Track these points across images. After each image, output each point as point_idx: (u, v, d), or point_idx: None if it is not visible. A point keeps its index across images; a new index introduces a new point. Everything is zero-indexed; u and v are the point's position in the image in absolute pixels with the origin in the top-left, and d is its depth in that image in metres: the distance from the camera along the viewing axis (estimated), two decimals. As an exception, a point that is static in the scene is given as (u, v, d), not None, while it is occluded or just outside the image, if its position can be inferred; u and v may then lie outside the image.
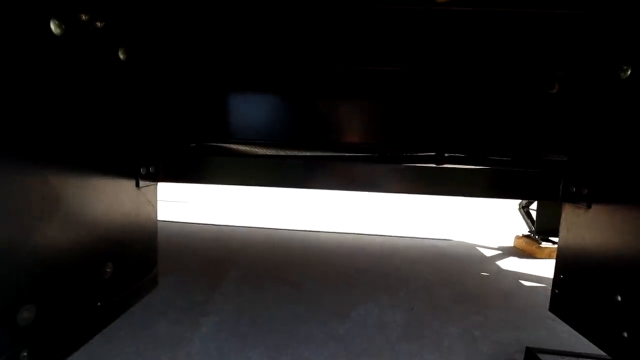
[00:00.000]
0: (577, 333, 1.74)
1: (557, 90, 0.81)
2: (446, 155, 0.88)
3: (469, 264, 2.74)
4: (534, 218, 3.28)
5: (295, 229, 3.60)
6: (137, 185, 0.73)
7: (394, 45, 0.82)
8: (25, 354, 0.43)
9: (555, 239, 3.09)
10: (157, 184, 0.84)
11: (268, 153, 0.98)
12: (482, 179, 0.89)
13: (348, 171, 0.97)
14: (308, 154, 1.03)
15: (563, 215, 0.88)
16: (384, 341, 1.53)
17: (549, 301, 1.09)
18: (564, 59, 0.79)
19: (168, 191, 5.66)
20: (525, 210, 3.33)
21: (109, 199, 0.64)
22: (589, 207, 0.79)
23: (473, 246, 3.29)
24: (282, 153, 0.91)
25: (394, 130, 0.89)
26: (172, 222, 3.63)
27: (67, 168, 0.57)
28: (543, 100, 0.84)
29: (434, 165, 0.90)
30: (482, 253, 3.07)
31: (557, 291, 0.95)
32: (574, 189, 0.82)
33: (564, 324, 1.82)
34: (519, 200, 3.39)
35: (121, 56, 0.69)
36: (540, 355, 1.42)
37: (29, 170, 0.48)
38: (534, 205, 3.33)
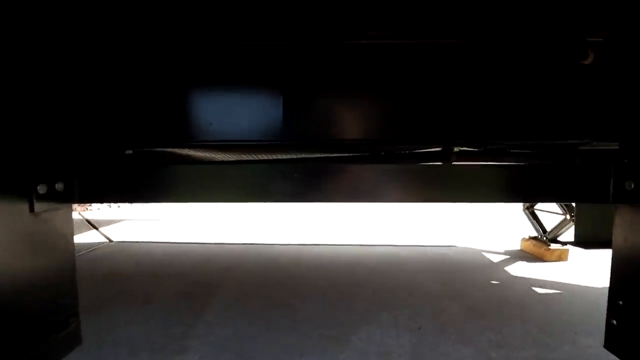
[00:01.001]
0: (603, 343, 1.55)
1: (592, 60, 0.64)
2: (455, 150, 0.70)
3: (476, 272, 2.55)
4: (540, 219, 3.11)
5: (286, 243, 3.40)
6: (32, 209, 0.54)
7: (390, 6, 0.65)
8: None
9: (564, 240, 2.92)
10: (70, 206, 0.65)
11: (236, 159, 0.80)
12: (503, 178, 0.70)
13: (337, 178, 0.78)
14: (291, 156, 0.84)
15: (617, 220, 0.69)
16: (390, 372, 1.33)
17: (603, 337, 0.82)
18: (598, 20, 0.62)
19: (132, 208, 5.43)
20: (530, 211, 3.16)
21: None
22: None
23: (479, 252, 3.10)
24: (243, 157, 0.73)
25: (392, 123, 0.72)
26: (148, 242, 3.40)
27: None
28: (576, 73, 0.66)
29: (441, 164, 0.72)
30: (488, 259, 2.88)
31: (614, 322, 0.70)
32: (633, 185, 0.64)
33: (589, 336, 1.63)
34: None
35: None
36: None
37: None
38: (539, 205, 3.16)
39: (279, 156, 0.82)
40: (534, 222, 3.11)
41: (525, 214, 3.19)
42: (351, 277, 2.41)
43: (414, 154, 0.79)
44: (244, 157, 0.82)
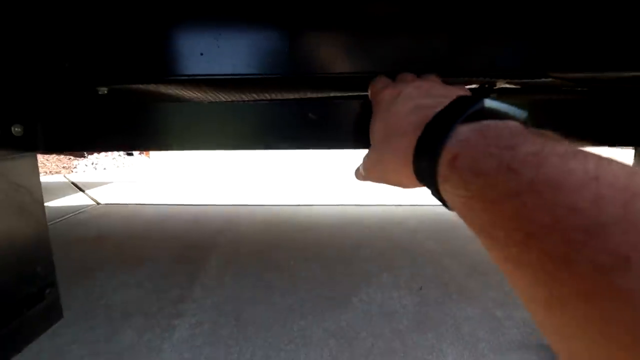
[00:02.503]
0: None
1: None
2: (497, 87, 0.58)
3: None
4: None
5: (281, 204, 3.32)
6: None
7: None
8: None
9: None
10: (34, 155, 0.52)
11: (222, 99, 0.67)
12: (556, 116, 0.59)
13: (344, 117, 0.65)
14: (301, 96, 0.71)
15: None
16: (393, 333, 1.29)
17: None
18: None
19: (119, 170, 5.26)
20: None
21: None
22: None
23: (475, 210, 3.06)
24: (243, 97, 0.60)
25: (419, 54, 0.59)
26: (137, 204, 3.28)
27: None
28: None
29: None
30: (486, 217, 2.85)
31: None
32: None
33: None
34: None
35: None
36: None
37: None
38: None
39: (286, 96, 0.68)
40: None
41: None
42: (349, 237, 2.36)
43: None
44: (244, 97, 0.69)
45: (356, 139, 0.64)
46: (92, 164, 5.18)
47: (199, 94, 0.66)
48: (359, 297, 1.55)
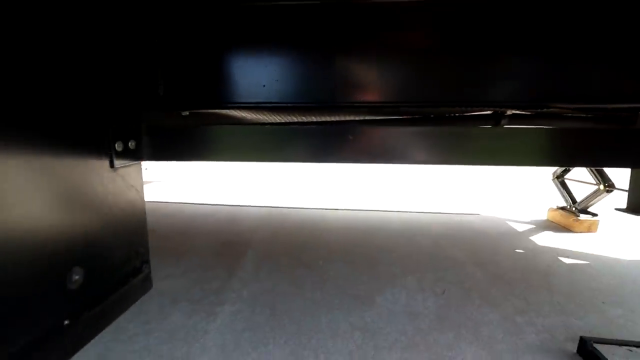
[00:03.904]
0: (632, 314, 1.55)
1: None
2: (508, 113, 0.68)
3: (500, 240, 2.54)
4: (569, 189, 3.03)
5: (310, 207, 3.46)
6: (112, 165, 0.58)
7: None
8: None
9: (595, 211, 2.84)
10: (139, 163, 0.68)
11: (277, 120, 0.81)
12: (557, 141, 0.68)
13: (378, 138, 0.77)
14: (327, 119, 0.84)
15: None
16: (415, 331, 1.38)
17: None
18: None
19: (160, 171, 5.59)
20: (560, 181, 3.07)
21: (70, 185, 0.49)
22: None
23: (503, 221, 3.07)
24: (294, 119, 0.74)
25: (437, 83, 0.70)
26: (178, 202, 3.52)
27: (11, 146, 0.41)
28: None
29: (490, 127, 0.71)
30: (513, 228, 2.86)
31: None
32: None
33: (616, 306, 1.63)
34: (553, 170, 3.12)
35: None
36: (597, 346, 1.25)
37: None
38: (570, 175, 3.06)
39: (329, 118, 0.82)
40: (563, 191, 3.03)
41: (555, 183, 3.11)
42: (374, 241, 2.46)
43: (464, 117, 0.77)
44: (294, 118, 0.82)
45: (388, 154, 0.75)
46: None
47: (259, 116, 0.80)
48: (383, 296, 1.65)
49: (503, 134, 0.68)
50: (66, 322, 0.48)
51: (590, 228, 2.75)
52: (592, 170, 2.80)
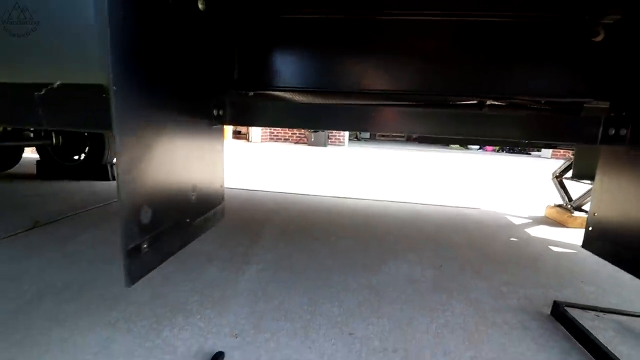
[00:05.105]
0: (604, 291, 1.77)
1: (602, 38, 0.83)
2: (487, 103, 0.91)
3: (497, 230, 2.77)
4: (567, 188, 3.23)
5: (321, 195, 3.71)
6: (211, 125, 0.82)
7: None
8: (145, 245, 0.54)
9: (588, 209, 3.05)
10: (223, 126, 0.93)
11: (308, 101, 1.06)
12: (525, 122, 0.91)
13: (387, 114, 1.02)
14: (347, 102, 1.09)
15: (601, 156, 0.91)
16: (414, 292, 1.63)
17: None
18: (614, 5, 0.80)
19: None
20: (558, 180, 3.28)
21: (192, 135, 0.73)
22: (629, 147, 0.82)
23: (502, 215, 3.29)
24: (320, 101, 0.98)
25: (436, 78, 0.94)
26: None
27: (168, 107, 0.65)
28: (587, 47, 0.85)
29: (475, 111, 0.94)
30: (511, 221, 3.08)
31: (590, 229, 1.01)
32: (613, 132, 0.85)
33: (591, 284, 1.86)
34: (553, 170, 3.33)
35: (200, 6, 0.75)
36: (568, 310, 1.47)
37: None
38: (569, 174, 3.27)
39: (332, 101, 1.07)
40: (561, 190, 3.24)
41: (554, 182, 3.31)
42: (380, 225, 2.70)
43: (456, 104, 1.01)
44: (315, 100, 1.09)
45: (396, 126, 0.99)
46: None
47: (302, 98, 1.05)
48: (387, 266, 1.89)
49: (485, 115, 0.92)
50: (187, 220, 0.72)
51: (582, 224, 2.96)
52: (588, 172, 3.00)
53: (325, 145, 11.14)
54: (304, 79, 1.01)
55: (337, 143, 12.10)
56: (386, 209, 3.25)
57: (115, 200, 3.01)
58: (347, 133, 12.69)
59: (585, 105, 0.93)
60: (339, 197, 3.63)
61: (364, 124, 0.94)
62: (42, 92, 0.57)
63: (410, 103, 1.04)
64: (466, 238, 2.49)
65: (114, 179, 3.73)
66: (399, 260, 1.99)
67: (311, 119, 0.95)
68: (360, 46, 1.02)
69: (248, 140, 10.90)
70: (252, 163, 6.04)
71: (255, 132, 11.09)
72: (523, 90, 0.90)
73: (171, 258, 1.81)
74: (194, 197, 0.73)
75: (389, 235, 2.44)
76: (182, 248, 0.71)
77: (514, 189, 4.93)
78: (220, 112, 0.87)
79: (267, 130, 11.95)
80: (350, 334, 1.28)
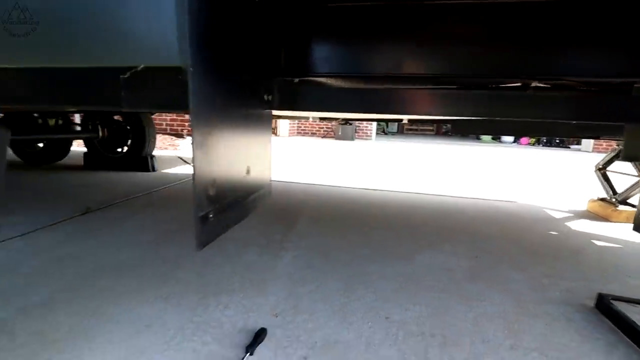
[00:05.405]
0: (654, 287, 1.69)
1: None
2: (532, 85, 0.89)
3: (535, 223, 2.68)
4: (611, 180, 3.07)
5: (352, 186, 3.73)
6: (262, 109, 0.87)
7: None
8: (211, 215, 0.59)
9: (634, 202, 2.88)
10: (271, 111, 0.97)
11: (351, 86, 1.08)
12: (572, 103, 0.89)
13: (428, 96, 1.03)
14: (388, 86, 1.11)
15: None
16: (450, 281, 1.62)
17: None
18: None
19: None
20: (602, 173, 3.12)
21: (247, 119, 0.78)
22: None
23: (540, 208, 3.18)
24: (362, 86, 1.00)
25: (479, 61, 0.93)
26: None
27: (229, 91, 0.70)
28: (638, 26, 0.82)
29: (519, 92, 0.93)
30: (550, 215, 2.97)
31: None
32: None
33: (638, 278, 1.77)
34: (596, 162, 3.17)
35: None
36: (614, 303, 1.42)
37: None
38: (612, 167, 3.10)
39: (373, 86, 1.09)
40: (605, 183, 3.08)
41: (597, 175, 3.16)
42: (413, 216, 2.69)
43: (498, 87, 1.00)
44: (361, 85, 1.12)
45: (446, 108, 1.00)
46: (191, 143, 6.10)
47: (340, 83, 1.08)
48: (422, 255, 1.89)
49: (530, 96, 0.91)
50: (242, 197, 0.77)
51: (628, 218, 2.81)
52: (636, 164, 2.84)
53: (352, 139, 11.09)
54: (346, 65, 1.04)
55: (364, 137, 12.03)
56: (418, 201, 3.22)
57: (155, 189, 3.17)
58: (374, 127, 12.57)
59: (635, 85, 0.90)
60: (369, 189, 3.64)
61: (405, 107, 0.95)
62: (127, 75, 0.63)
63: (451, 87, 1.04)
64: (502, 230, 2.43)
65: (153, 170, 3.92)
66: (434, 250, 1.98)
67: (354, 103, 0.97)
68: (401, 32, 1.03)
69: (276, 134, 11.04)
70: (281, 156, 6.14)
71: (283, 126, 11.21)
72: (570, 72, 0.88)
73: (211, 243, 1.91)
74: (248, 176, 0.77)
75: (422, 227, 2.43)
76: (237, 223, 0.75)
77: (552, 183, 4.73)
78: (269, 98, 0.91)
79: (295, 124, 12.04)
80: (387, 317, 1.30)
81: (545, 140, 13.62)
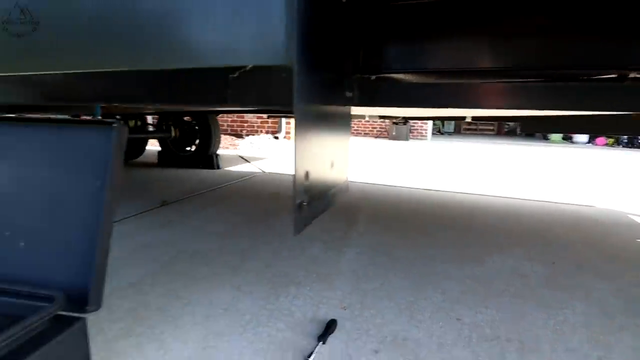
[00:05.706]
0: None
1: None
2: (630, 76, 0.82)
3: (617, 229, 2.43)
4: None
5: (410, 186, 3.65)
6: (343, 105, 0.90)
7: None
8: (305, 203, 0.63)
9: None
10: (351, 108, 1.01)
11: (430, 81, 1.07)
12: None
13: (508, 89, 0.98)
14: (463, 81, 1.08)
15: None
16: (524, 286, 1.53)
17: None
18: None
19: (267, 149, 6.22)
20: None
21: (332, 115, 0.82)
22: None
23: (623, 214, 2.87)
24: (444, 81, 0.98)
25: (567, 52, 0.87)
26: (289, 174, 4.02)
27: (321, 88, 0.74)
28: None
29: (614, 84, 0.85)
30: (634, 220, 2.67)
31: None
32: None
33: None
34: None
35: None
36: None
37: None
38: None
39: (452, 80, 1.07)
40: None
41: (697, 178, 2.77)
42: (478, 218, 2.57)
43: (590, 79, 0.93)
44: (443, 80, 1.11)
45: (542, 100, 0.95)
46: (250, 143, 6.40)
47: (411, 78, 1.09)
48: (491, 259, 1.81)
49: (627, 86, 0.83)
50: (327, 189, 0.81)
51: None
52: None
53: (407, 139, 10.85)
54: (419, 61, 1.03)
55: (418, 137, 11.70)
56: (482, 202, 3.07)
57: (220, 186, 3.37)
58: (430, 126, 12.16)
59: None
60: (428, 190, 3.54)
61: (484, 101, 0.92)
62: (236, 75, 0.70)
63: (535, 80, 0.98)
64: (580, 236, 2.24)
65: (218, 167, 4.17)
66: (504, 254, 1.88)
67: (432, 98, 0.97)
68: (474, 26, 1.00)
69: (329, 134, 11.17)
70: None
71: (336, 126, 11.30)
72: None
73: (275, 236, 1.98)
74: (332, 170, 0.81)
75: (490, 229, 2.32)
76: (322, 213, 0.79)
77: (636, 187, 4.24)
78: (350, 95, 0.94)
79: (348, 124, 12.07)
80: (458, 319, 1.27)
81: (626, 140, 12.18)
